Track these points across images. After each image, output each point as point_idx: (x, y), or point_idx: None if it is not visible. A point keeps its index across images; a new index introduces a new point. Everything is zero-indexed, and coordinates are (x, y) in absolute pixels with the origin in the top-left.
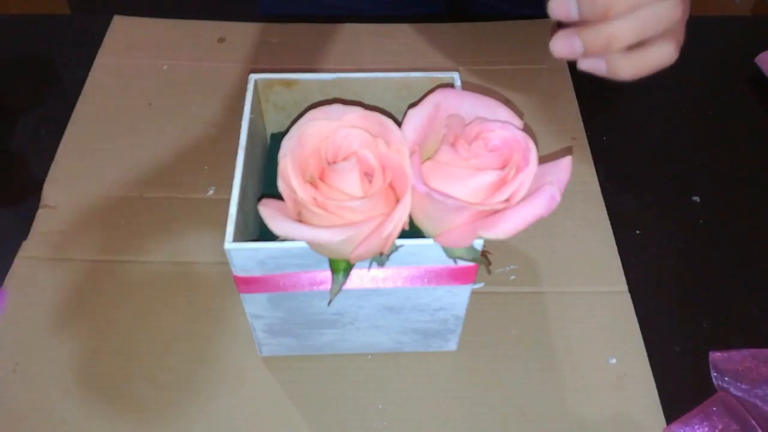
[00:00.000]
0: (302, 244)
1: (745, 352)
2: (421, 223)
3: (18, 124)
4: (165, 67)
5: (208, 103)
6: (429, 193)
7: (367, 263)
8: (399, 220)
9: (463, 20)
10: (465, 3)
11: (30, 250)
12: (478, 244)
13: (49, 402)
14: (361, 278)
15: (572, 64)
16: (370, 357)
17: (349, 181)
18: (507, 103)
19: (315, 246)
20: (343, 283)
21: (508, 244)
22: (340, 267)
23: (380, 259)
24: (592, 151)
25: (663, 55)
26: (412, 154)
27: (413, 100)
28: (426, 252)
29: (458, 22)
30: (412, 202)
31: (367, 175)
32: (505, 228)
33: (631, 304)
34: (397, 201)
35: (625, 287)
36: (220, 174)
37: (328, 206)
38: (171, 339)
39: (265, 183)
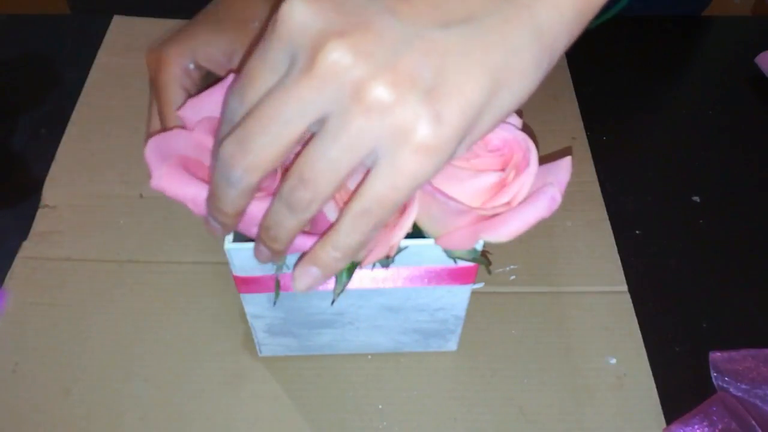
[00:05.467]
0: None
1: (745, 352)
2: (423, 222)
3: (18, 124)
4: None
5: None
6: (433, 194)
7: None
8: (407, 227)
9: None
10: None
11: (30, 250)
12: (479, 244)
13: (49, 402)
14: (360, 278)
15: (572, 65)
16: (370, 357)
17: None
18: None
19: None
20: (347, 283)
21: (508, 244)
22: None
23: (386, 261)
24: (592, 151)
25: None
26: None
27: None
28: (426, 252)
29: None
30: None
31: None
32: (506, 232)
33: (631, 304)
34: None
35: (625, 287)
36: None
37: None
38: (171, 339)
39: None
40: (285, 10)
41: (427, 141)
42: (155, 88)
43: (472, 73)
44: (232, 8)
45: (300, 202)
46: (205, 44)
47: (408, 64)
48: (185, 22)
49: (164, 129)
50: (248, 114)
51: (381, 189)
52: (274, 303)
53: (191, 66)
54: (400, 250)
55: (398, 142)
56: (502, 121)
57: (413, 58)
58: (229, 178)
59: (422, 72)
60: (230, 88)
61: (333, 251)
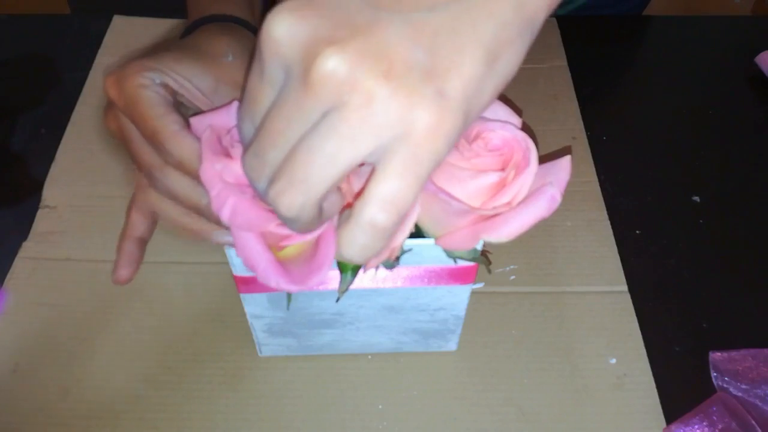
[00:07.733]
0: None
1: (745, 352)
2: (424, 223)
3: (18, 124)
4: None
5: None
6: (436, 193)
7: None
8: (409, 229)
9: None
10: None
11: (30, 250)
12: (479, 244)
13: (49, 402)
14: (361, 278)
15: (572, 64)
16: (370, 357)
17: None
18: (507, 102)
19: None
20: (351, 281)
21: (508, 244)
22: (348, 266)
23: (390, 263)
24: (592, 151)
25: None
26: None
27: None
28: (426, 252)
29: None
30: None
31: None
32: (506, 232)
33: (631, 304)
34: None
35: (625, 287)
36: None
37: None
38: (171, 339)
39: None
40: (270, 24)
41: (435, 118)
42: (127, 104)
43: (465, 48)
44: (199, 43)
45: (291, 207)
46: (175, 61)
47: (401, 52)
48: (185, 22)
49: (151, 152)
50: (257, 129)
51: (396, 180)
52: (288, 307)
53: (157, 80)
54: (403, 252)
55: (406, 124)
56: (499, 92)
57: (404, 44)
58: (258, 189)
59: (416, 55)
60: (238, 111)
61: (358, 254)
